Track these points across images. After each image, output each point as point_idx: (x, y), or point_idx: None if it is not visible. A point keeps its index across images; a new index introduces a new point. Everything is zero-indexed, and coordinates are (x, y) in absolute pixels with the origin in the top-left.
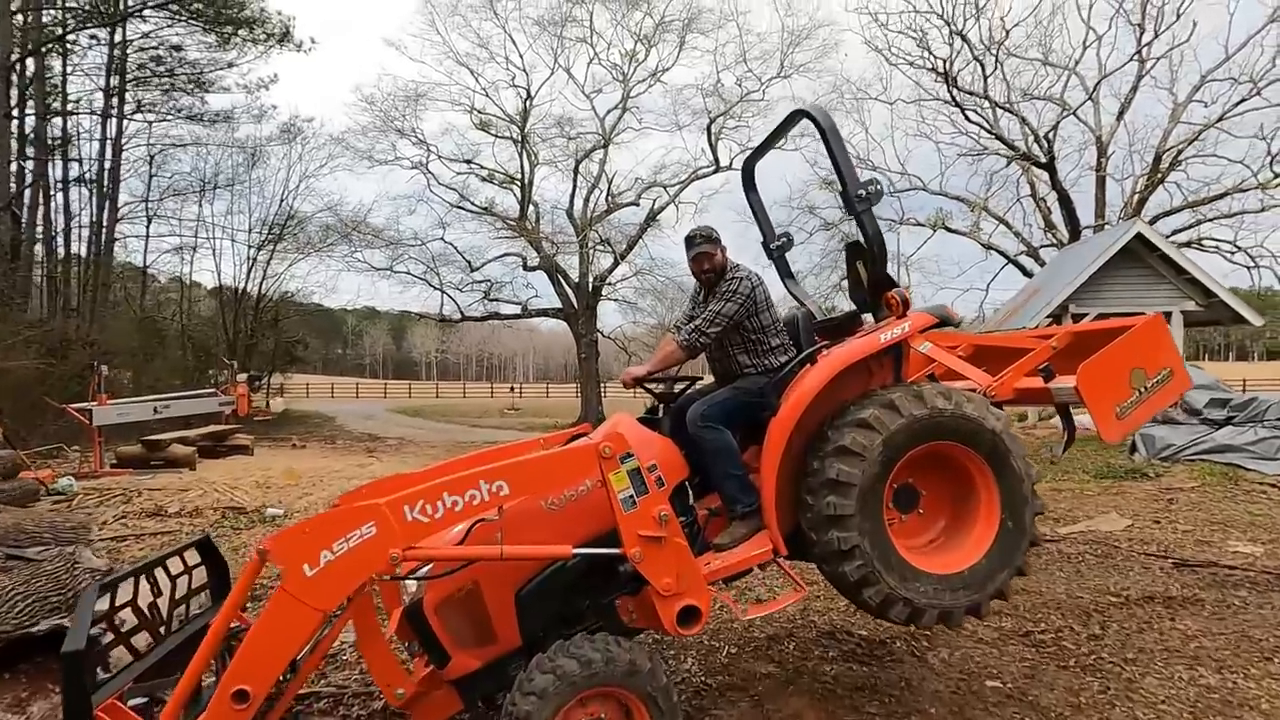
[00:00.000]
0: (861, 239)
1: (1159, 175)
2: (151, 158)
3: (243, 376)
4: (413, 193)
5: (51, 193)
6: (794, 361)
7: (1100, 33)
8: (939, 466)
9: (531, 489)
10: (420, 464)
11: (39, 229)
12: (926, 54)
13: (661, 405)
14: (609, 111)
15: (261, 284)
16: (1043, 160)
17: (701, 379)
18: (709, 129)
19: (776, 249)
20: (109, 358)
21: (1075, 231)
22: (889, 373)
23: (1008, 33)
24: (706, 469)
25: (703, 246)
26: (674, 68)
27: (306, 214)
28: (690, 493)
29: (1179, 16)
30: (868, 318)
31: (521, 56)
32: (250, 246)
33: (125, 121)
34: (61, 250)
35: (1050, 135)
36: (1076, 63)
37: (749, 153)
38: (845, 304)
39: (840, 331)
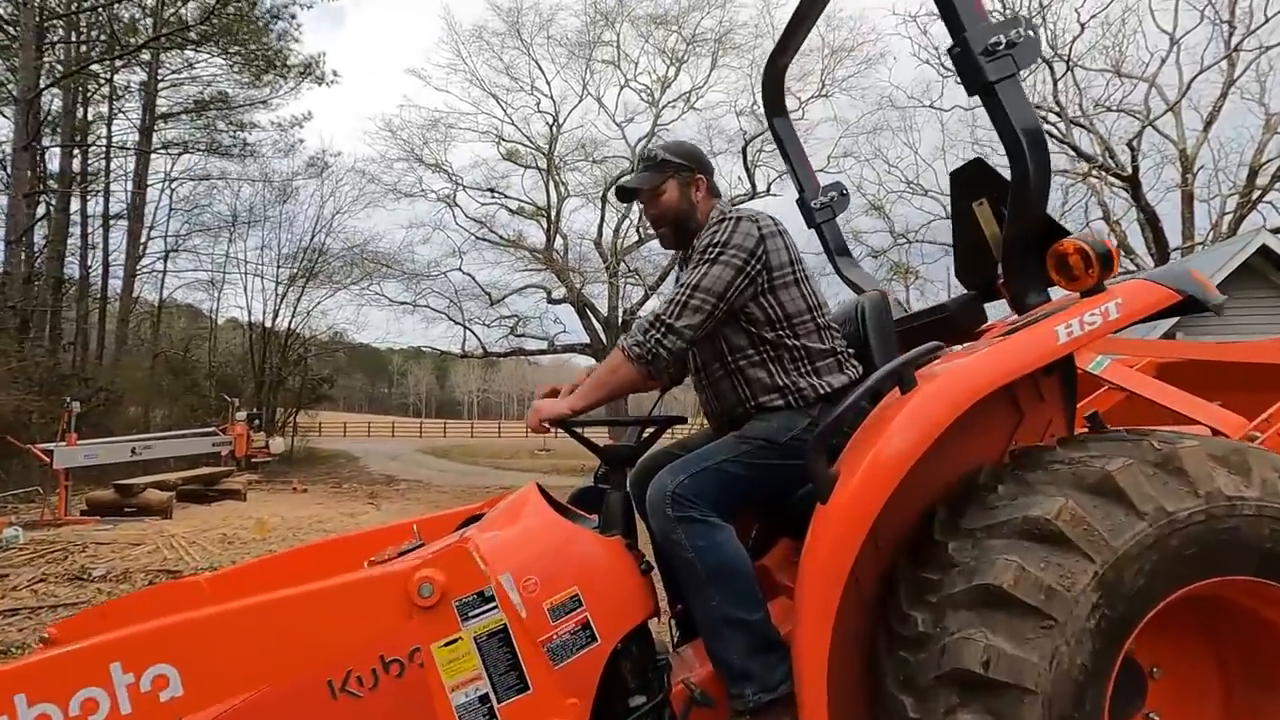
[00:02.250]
0: (1001, 175)
1: (1254, 192)
2: (172, 190)
3: (242, 415)
4: (428, 220)
5: (71, 226)
6: (868, 383)
7: (1178, 37)
8: (1206, 619)
9: (238, 678)
10: (421, 512)
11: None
12: None
13: (607, 468)
14: (639, 140)
15: (291, 321)
16: (1127, 173)
17: (688, 423)
18: (744, 152)
19: (821, 209)
20: (110, 394)
21: (1164, 254)
22: (1056, 408)
23: (1082, 28)
24: (685, 605)
25: (636, 183)
26: (707, 91)
27: (334, 250)
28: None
29: (1266, 19)
30: (993, 312)
31: (549, 84)
32: (278, 283)
33: (151, 157)
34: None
35: (1135, 143)
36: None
37: (772, 51)
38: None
39: (942, 333)
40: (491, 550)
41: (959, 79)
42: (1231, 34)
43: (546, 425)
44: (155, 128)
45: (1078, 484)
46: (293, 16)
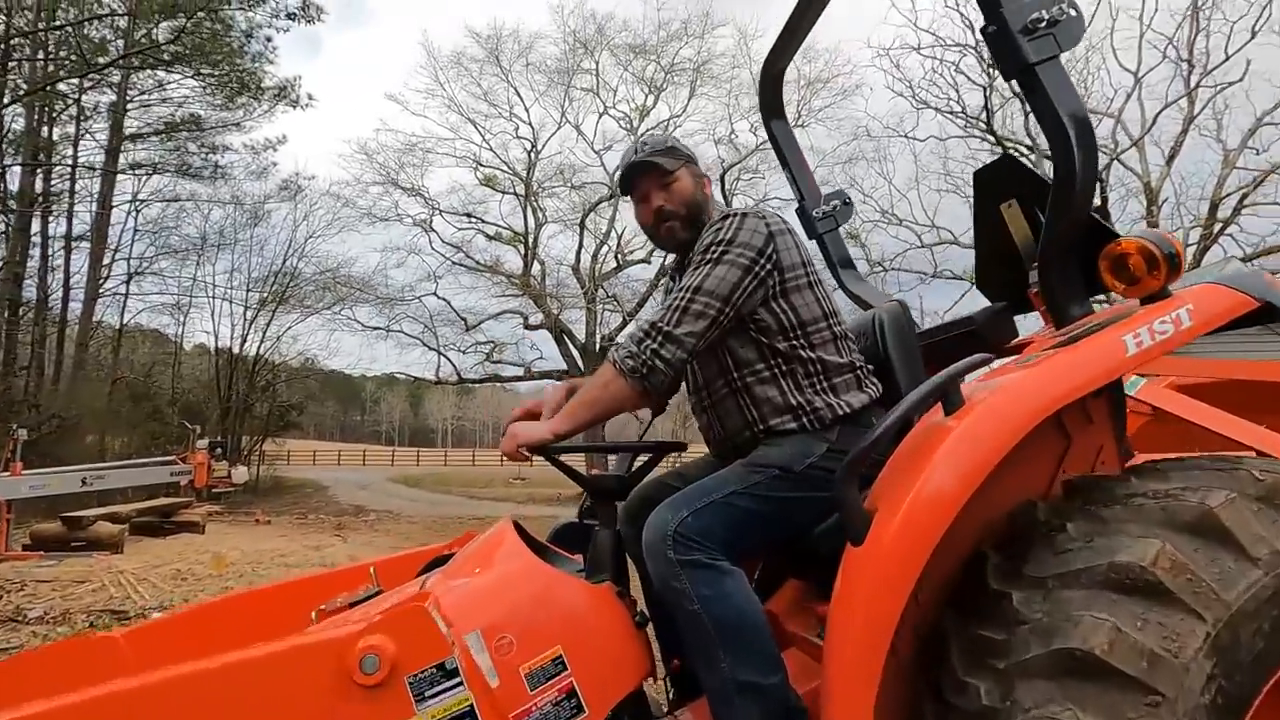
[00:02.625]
0: (1033, 166)
1: (1216, 225)
2: (138, 212)
3: (203, 443)
4: (403, 244)
5: (31, 248)
6: (908, 402)
7: (1141, 74)
8: None
9: None
10: (389, 545)
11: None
12: (955, 96)
13: (594, 501)
14: (618, 168)
15: (259, 346)
16: (1095, 205)
17: (687, 449)
18: (722, 180)
19: (824, 218)
20: (64, 421)
21: None
22: (1106, 432)
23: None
24: (686, 662)
25: (653, 158)
26: (685, 120)
27: (306, 274)
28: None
29: (1227, 56)
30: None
31: (527, 110)
32: (247, 307)
33: (118, 177)
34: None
35: (1104, 175)
36: (1122, 109)
37: (769, 52)
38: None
39: (968, 349)
40: (458, 603)
41: (994, 63)
42: (1190, 72)
43: (524, 452)
44: (123, 149)
45: (1170, 522)
46: (268, 39)
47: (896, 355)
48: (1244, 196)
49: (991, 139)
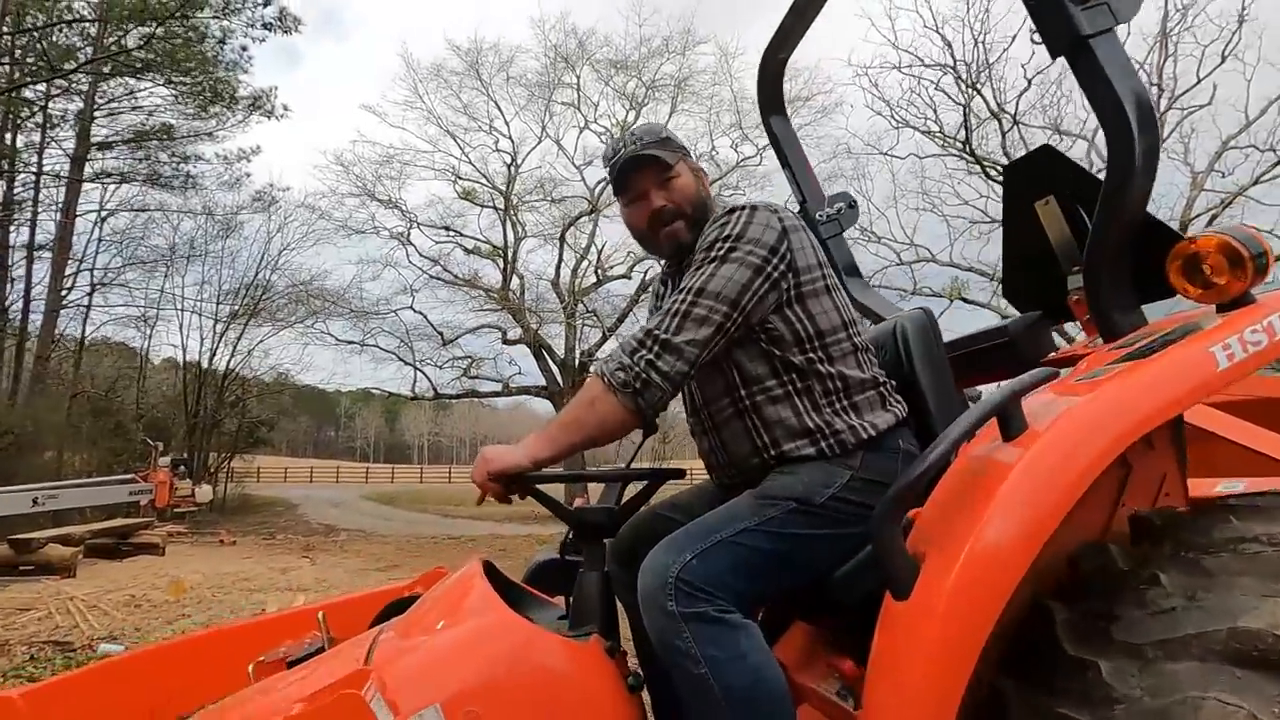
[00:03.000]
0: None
1: None
2: (102, 222)
3: (166, 460)
4: (379, 257)
5: None
6: (966, 424)
7: None
8: None
9: None
10: (358, 567)
11: None
12: (934, 115)
13: (578, 538)
14: (599, 182)
15: (229, 361)
16: None
17: (685, 478)
18: None
19: (828, 222)
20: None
21: None
22: (1169, 459)
23: (1029, 83)
24: None
25: (651, 150)
26: None
27: (279, 287)
28: None
29: (1199, 80)
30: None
31: (508, 124)
32: (217, 320)
33: (84, 186)
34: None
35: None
36: (1095, 131)
37: (769, 43)
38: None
39: (1001, 362)
40: (411, 673)
41: (1039, 38)
42: (1160, 96)
43: (496, 482)
44: (89, 157)
45: None
46: (244, 49)
47: (922, 369)
48: (1213, 218)
49: (969, 158)
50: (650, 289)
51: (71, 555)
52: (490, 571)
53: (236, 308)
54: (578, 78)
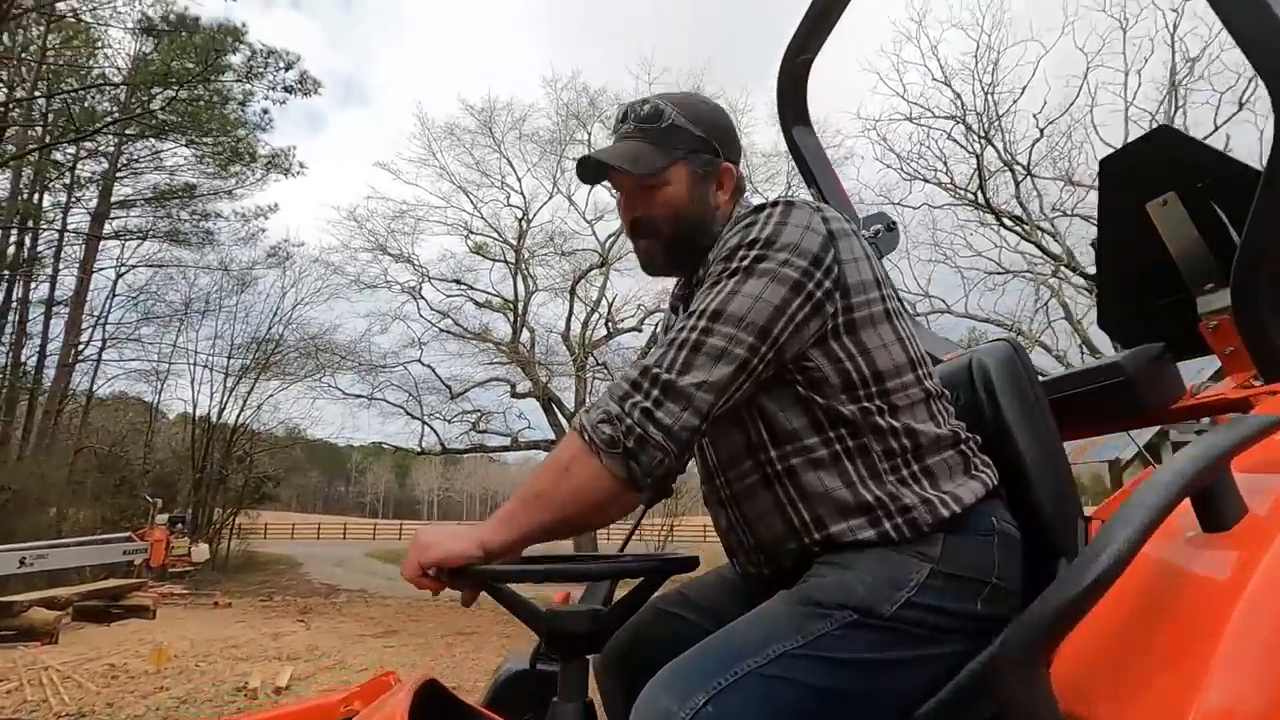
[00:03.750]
0: None
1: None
2: (118, 277)
3: (163, 518)
4: (390, 310)
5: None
6: (1151, 512)
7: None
8: None
9: None
10: (354, 633)
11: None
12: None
13: (551, 649)
14: (609, 237)
15: (239, 415)
16: (1091, 272)
17: (698, 566)
18: None
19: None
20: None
21: None
22: None
23: (1041, 133)
24: None
25: (631, 151)
26: None
27: (291, 341)
28: None
29: (1216, 128)
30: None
31: (519, 180)
32: (227, 374)
33: (100, 242)
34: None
35: (1096, 244)
36: None
37: (788, 46)
38: None
39: (1115, 407)
40: None
41: (1249, 59)
42: None
43: (434, 579)
44: (110, 215)
45: None
46: (265, 111)
47: (1015, 419)
48: None
49: (982, 208)
50: (658, 324)
51: (55, 619)
52: (432, 695)
53: (248, 361)
54: (589, 135)
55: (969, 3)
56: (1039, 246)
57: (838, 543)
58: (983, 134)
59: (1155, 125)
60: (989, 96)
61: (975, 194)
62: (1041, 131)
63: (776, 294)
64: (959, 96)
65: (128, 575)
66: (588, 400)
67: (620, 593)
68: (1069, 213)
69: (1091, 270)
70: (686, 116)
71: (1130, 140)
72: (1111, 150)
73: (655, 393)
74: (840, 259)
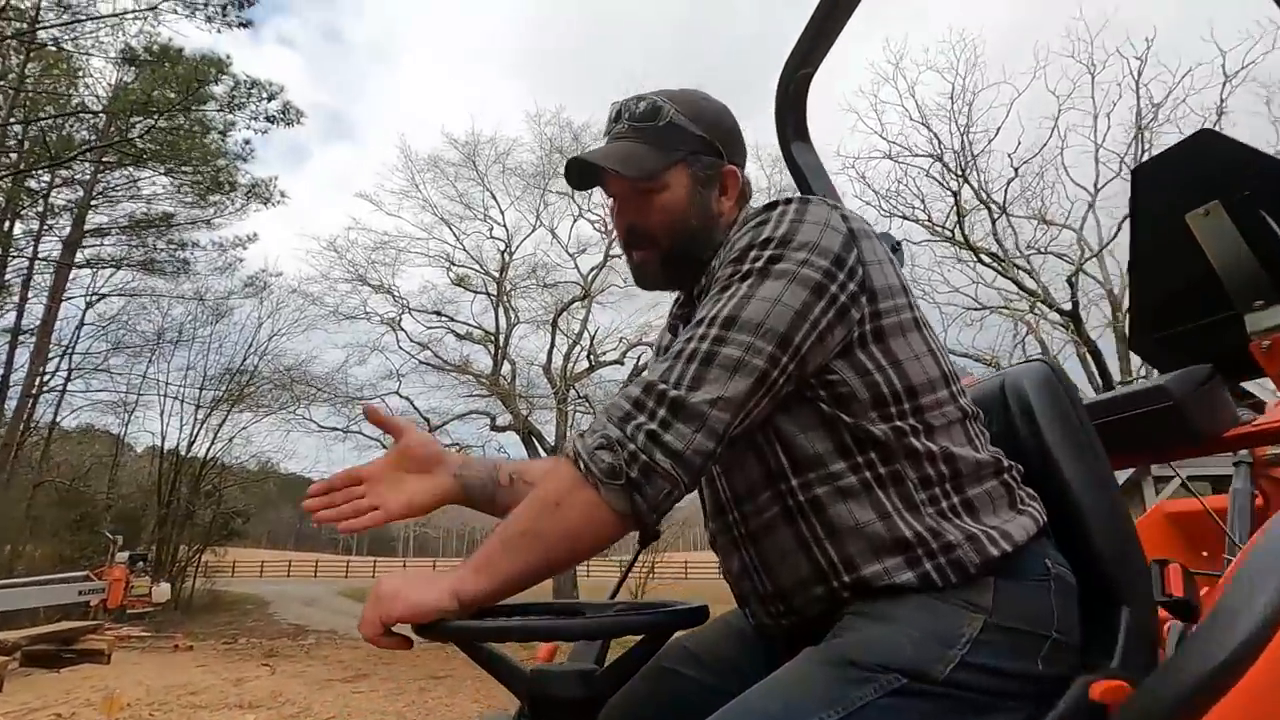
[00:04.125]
0: None
1: None
2: (88, 305)
3: (124, 556)
4: (368, 342)
5: None
6: None
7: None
8: None
9: None
10: (322, 678)
11: None
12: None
13: (537, 710)
14: (592, 269)
15: (209, 448)
16: (1067, 308)
17: (708, 619)
18: None
19: None
20: None
21: (1109, 386)
22: None
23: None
24: None
25: (625, 152)
26: None
27: (266, 372)
28: None
29: None
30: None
31: (503, 213)
32: (199, 406)
33: (71, 270)
34: None
35: (1074, 279)
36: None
37: (788, 60)
38: None
39: (1163, 435)
40: None
41: None
42: None
43: (396, 634)
44: (83, 243)
45: None
46: (246, 142)
47: (1060, 446)
48: None
49: (960, 244)
50: (656, 344)
51: (1, 665)
52: None
53: (220, 393)
54: None
55: (944, 46)
56: (1015, 283)
57: (872, 587)
58: (960, 172)
59: (1124, 167)
60: (965, 136)
61: (952, 231)
62: (1016, 171)
63: (796, 297)
64: (936, 136)
65: (84, 617)
66: (569, 434)
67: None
68: (1043, 250)
69: (1067, 306)
70: (686, 114)
71: (1167, 148)
72: (1095, 186)
73: (662, 412)
74: (864, 260)
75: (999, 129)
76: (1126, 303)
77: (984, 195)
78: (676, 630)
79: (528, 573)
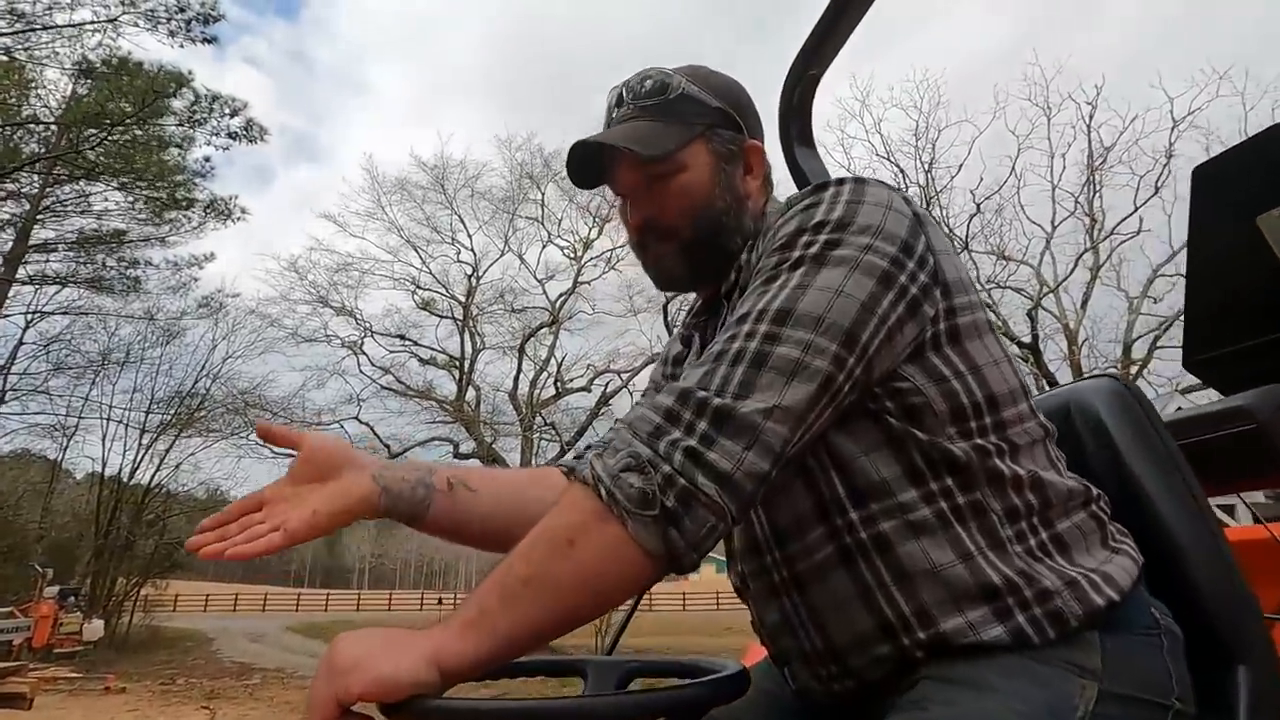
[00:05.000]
0: None
1: (1131, 366)
2: (27, 324)
3: (53, 590)
4: (328, 365)
5: None
6: None
7: (1058, 222)
8: None
9: None
10: (268, 719)
11: None
12: None
13: None
14: (560, 296)
15: (154, 475)
16: (1027, 341)
17: (749, 688)
18: (665, 309)
19: None
20: None
21: None
22: None
23: (979, 207)
24: None
25: (640, 130)
26: (627, 253)
27: (219, 396)
28: None
29: (1135, 209)
30: None
31: (470, 237)
32: (144, 431)
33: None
34: None
35: (1033, 313)
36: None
37: (794, 61)
38: None
39: (1244, 457)
40: None
41: None
42: (1093, 226)
43: (358, 714)
44: (26, 259)
45: None
46: (206, 159)
47: (1145, 472)
48: (1156, 340)
49: None
50: (659, 358)
51: None
52: None
53: (168, 417)
54: (542, 194)
55: (908, 85)
56: None
57: (952, 645)
58: (924, 207)
59: (1078, 206)
60: (929, 173)
61: None
62: (979, 207)
63: (861, 287)
64: (902, 171)
65: (5, 657)
66: (533, 461)
67: None
68: (1003, 285)
69: (1027, 339)
70: (699, 85)
71: (1231, 147)
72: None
73: (703, 425)
74: (934, 248)
75: (960, 166)
76: (1082, 335)
77: (947, 230)
78: (714, 705)
79: (534, 630)
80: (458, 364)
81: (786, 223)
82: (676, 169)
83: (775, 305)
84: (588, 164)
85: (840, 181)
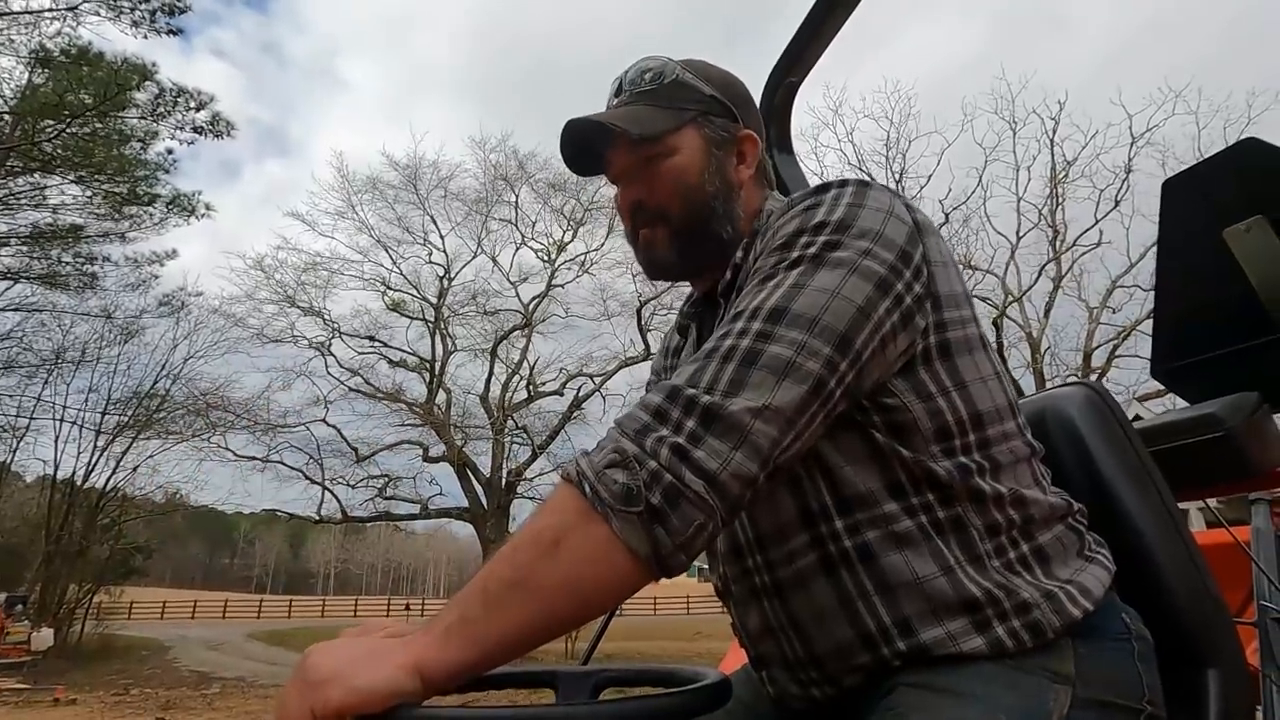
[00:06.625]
0: None
1: (1091, 374)
2: None
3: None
4: (294, 366)
5: None
6: None
7: (1023, 233)
8: None
9: None
10: None
11: None
12: None
13: None
14: (533, 299)
15: (110, 478)
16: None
17: (730, 699)
18: (639, 314)
19: None
20: None
21: None
22: None
23: (947, 218)
24: None
25: (635, 113)
26: (602, 256)
27: (179, 397)
28: None
29: (1096, 221)
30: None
31: (443, 238)
32: (99, 432)
33: None
34: None
35: (998, 322)
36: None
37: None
38: None
39: (1215, 464)
40: None
41: None
42: (1055, 238)
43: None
44: None
45: None
46: (169, 152)
47: (1118, 479)
48: (1115, 349)
49: None
50: (659, 350)
51: None
52: None
53: (125, 418)
54: (516, 196)
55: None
56: None
57: (932, 655)
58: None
59: (1042, 218)
60: (899, 183)
61: None
62: (947, 216)
63: (858, 290)
64: (873, 179)
65: None
66: (505, 465)
67: None
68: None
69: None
70: (694, 73)
71: (1204, 159)
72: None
73: (691, 423)
74: (930, 259)
75: (930, 176)
76: (1045, 344)
77: None
78: (696, 714)
79: (519, 636)
80: (428, 366)
81: (787, 223)
82: (668, 151)
83: (770, 304)
84: (584, 151)
85: (843, 183)
